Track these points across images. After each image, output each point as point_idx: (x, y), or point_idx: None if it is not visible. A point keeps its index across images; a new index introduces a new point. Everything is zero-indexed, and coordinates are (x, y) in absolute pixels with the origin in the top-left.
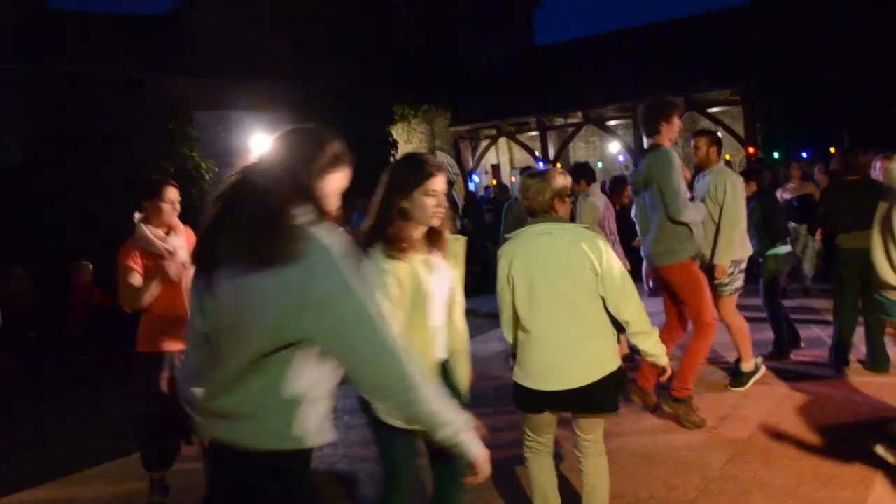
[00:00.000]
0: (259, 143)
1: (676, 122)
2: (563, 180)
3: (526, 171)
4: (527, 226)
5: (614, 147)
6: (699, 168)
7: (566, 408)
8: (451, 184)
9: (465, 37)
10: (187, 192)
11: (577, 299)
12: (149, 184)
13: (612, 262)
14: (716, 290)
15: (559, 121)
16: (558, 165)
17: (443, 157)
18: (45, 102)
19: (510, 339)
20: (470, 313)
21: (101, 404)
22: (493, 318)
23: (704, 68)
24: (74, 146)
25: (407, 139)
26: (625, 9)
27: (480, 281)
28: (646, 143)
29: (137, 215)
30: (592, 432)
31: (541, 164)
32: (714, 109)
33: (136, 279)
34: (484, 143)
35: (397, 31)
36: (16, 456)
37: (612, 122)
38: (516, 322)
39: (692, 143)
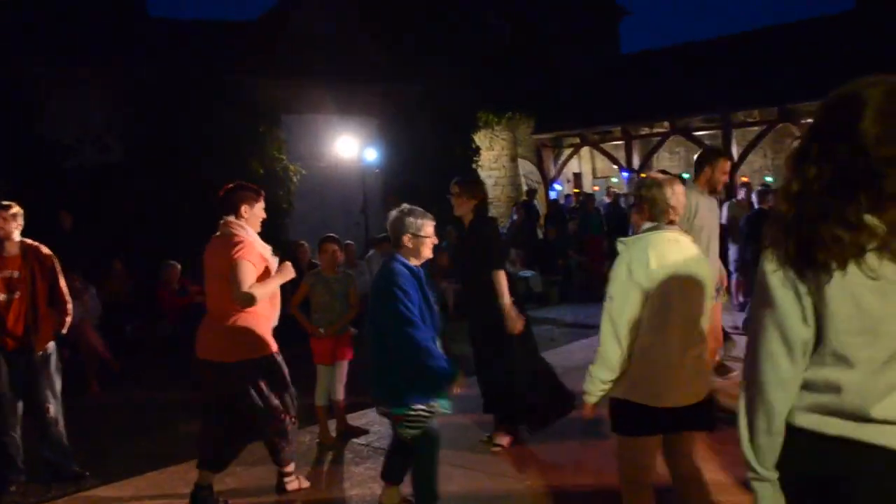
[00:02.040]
0: (345, 146)
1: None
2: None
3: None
4: (653, 230)
5: None
6: None
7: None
8: (532, 192)
9: (551, 45)
10: (275, 193)
11: (697, 309)
12: (250, 189)
13: None
14: None
15: (644, 130)
16: (643, 175)
17: (524, 165)
18: (143, 105)
19: (614, 356)
20: (553, 323)
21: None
22: (578, 327)
23: (798, 78)
24: (170, 147)
25: (489, 146)
26: (714, 18)
27: (562, 290)
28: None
29: (234, 218)
30: (693, 448)
31: (625, 174)
32: (809, 121)
33: (257, 278)
34: (567, 152)
35: (486, 39)
36: (121, 445)
37: (699, 133)
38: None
39: None
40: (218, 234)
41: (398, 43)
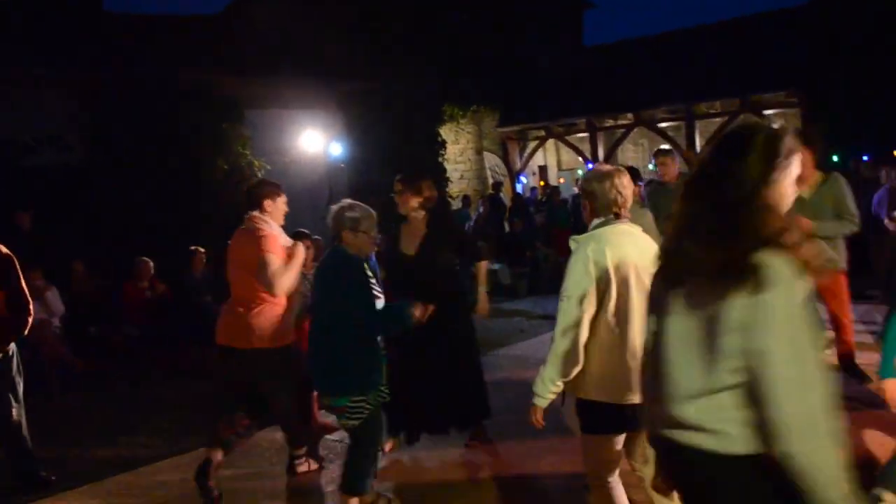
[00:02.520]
0: (310, 141)
1: None
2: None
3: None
4: (604, 224)
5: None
6: None
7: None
8: (498, 185)
9: (514, 38)
10: (240, 189)
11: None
12: (272, 185)
13: None
14: None
15: (609, 122)
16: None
17: (490, 158)
18: (103, 103)
19: (567, 357)
20: (523, 314)
21: (169, 399)
22: (547, 319)
23: (760, 69)
24: (132, 145)
25: (455, 139)
26: (677, 10)
27: (531, 283)
28: None
29: (258, 213)
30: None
31: (590, 166)
32: (770, 112)
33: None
34: (532, 145)
35: (450, 32)
36: (87, 448)
37: (664, 125)
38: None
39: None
40: (242, 227)
41: (361, 37)
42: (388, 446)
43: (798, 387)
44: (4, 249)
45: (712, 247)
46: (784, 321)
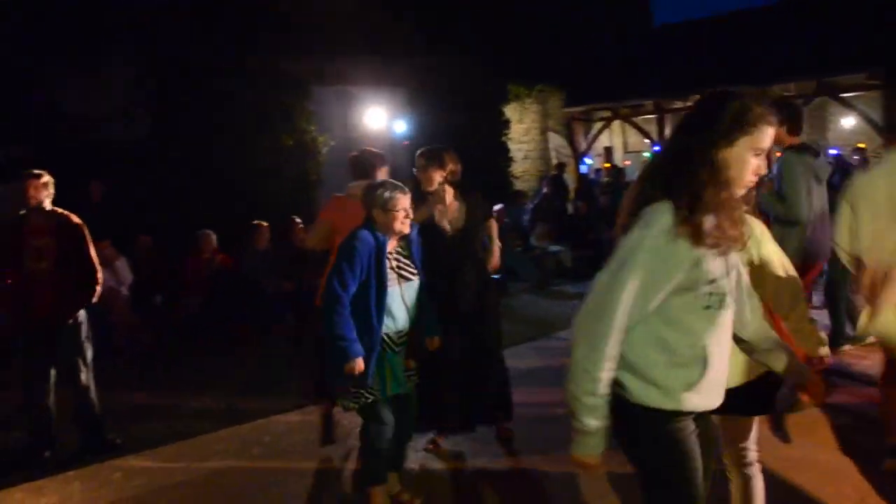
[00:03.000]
0: (374, 118)
1: None
2: None
3: None
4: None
5: None
6: None
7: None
8: (562, 166)
9: (582, 16)
10: (304, 165)
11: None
12: (379, 155)
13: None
14: None
15: (677, 104)
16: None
17: (554, 139)
18: (170, 79)
19: None
20: (583, 297)
21: (226, 370)
22: None
23: (838, 49)
24: (198, 120)
25: (520, 119)
26: None
27: (594, 265)
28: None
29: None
30: (739, 439)
31: (657, 149)
32: (848, 94)
33: None
34: (598, 126)
35: (515, 9)
36: (148, 415)
37: None
38: None
39: None
40: (345, 195)
41: (426, 14)
42: (431, 444)
43: (593, 296)
44: (76, 219)
45: (654, 191)
46: (622, 251)
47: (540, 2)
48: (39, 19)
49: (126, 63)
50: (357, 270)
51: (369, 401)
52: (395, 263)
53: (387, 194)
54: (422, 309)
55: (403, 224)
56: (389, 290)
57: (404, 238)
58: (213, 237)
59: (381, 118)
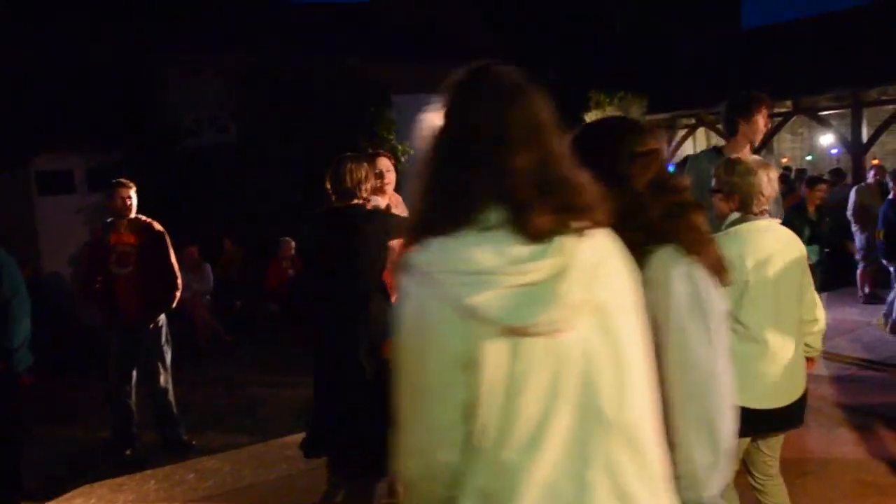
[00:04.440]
0: None
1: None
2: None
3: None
4: (744, 221)
5: (826, 139)
6: None
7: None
8: None
9: (666, 20)
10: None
11: (793, 300)
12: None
13: None
14: None
15: None
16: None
17: None
18: (256, 87)
19: None
20: None
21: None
22: None
23: None
24: (282, 128)
25: None
26: None
27: None
28: None
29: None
30: (779, 450)
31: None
32: None
33: None
34: (681, 133)
35: (597, 15)
36: (224, 418)
37: (826, 112)
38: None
39: None
40: None
41: (506, 21)
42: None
43: None
44: (158, 226)
45: None
46: None
47: (622, 7)
48: (139, 29)
49: (216, 73)
50: None
51: None
52: None
53: None
54: None
55: None
56: None
57: None
58: (292, 243)
59: None
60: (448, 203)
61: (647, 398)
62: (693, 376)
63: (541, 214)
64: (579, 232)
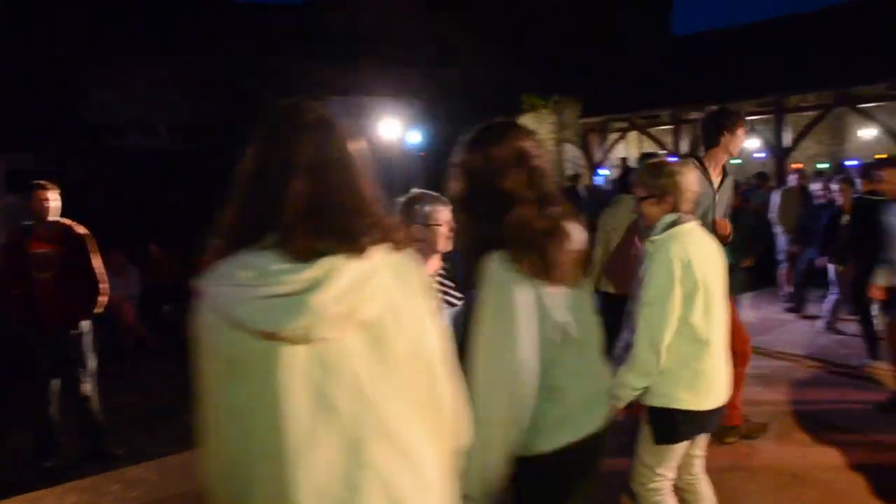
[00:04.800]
0: (388, 128)
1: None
2: None
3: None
4: (680, 222)
5: (752, 143)
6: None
7: (713, 426)
8: (576, 177)
9: (600, 26)
10: None
11: (721, 302)
12: None
13: None
14: None
15: (694, 115)
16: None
17: (570, 150)
18: (187, 89)
19: (660, 358)
20: None
21: None
22: None
23: (858, 60)
24: (213, 132)
25: (535, 130)
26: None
27: None
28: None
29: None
30: (705, 448)
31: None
32: (867, 105)
33: None
34: (614, 137)
35: (531, 19)
36: (152, 425)
37: (751, 117)
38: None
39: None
40: None
41: (441, 24)
42: None
43: None
44: (81, 229)
45: None
46: None
47: (557, 13)
48: (68, 28)
49: (147, 72)
50: None
51: None
52: (438, 287)
53: (427, 207)
54: None
55: (448, 240)
56: None
57: (447, 258)
58: None
59: (395, 129)
60: (239, 227)
61: (421, 404)
62: (481, 375)
63: (304, 236)
64: (352, 252)
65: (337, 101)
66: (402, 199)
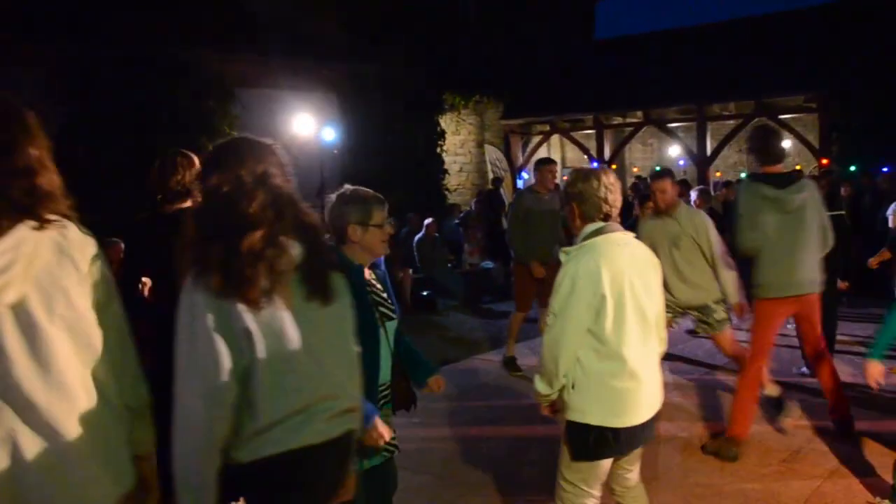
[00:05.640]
0: (302, 124)
1: None
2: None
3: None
4: (598, 234)
5: (674, 150)
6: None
7: (640, 442)
8: (499, 180)
9: (523, 26)
10: None
11: (652, 318)
12: None
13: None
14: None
15: (617, 120)
16: (613, 167)
17: (491, 152)
18: (86, 80)
19: (566, 368)
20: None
21: None
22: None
23: (778, 70)
24: (113, 123)
25: (455, 130)
26: (695, 5)
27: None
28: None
29: None
30: (638, 462)
31: (595, 164)
32: (786, 116)
33: None
34: (536, 139)
35: (452, 18)
36: None
37: (674, 125)
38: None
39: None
40: None
41: (357, 18)
42: None
43: None
44: None
45: None
46: None
47: (479, 10)
48: None
49: (38, 61)
50: None
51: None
52: (373, 298)
53: (364, 206)
54: (407, 352)
55: (384, 243)
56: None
57: (374, 266)
58: (121, 245)
59: (310, 124)
60: None
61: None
62: (177, 386)
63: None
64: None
65: (246, 93)
66: (333, 195)
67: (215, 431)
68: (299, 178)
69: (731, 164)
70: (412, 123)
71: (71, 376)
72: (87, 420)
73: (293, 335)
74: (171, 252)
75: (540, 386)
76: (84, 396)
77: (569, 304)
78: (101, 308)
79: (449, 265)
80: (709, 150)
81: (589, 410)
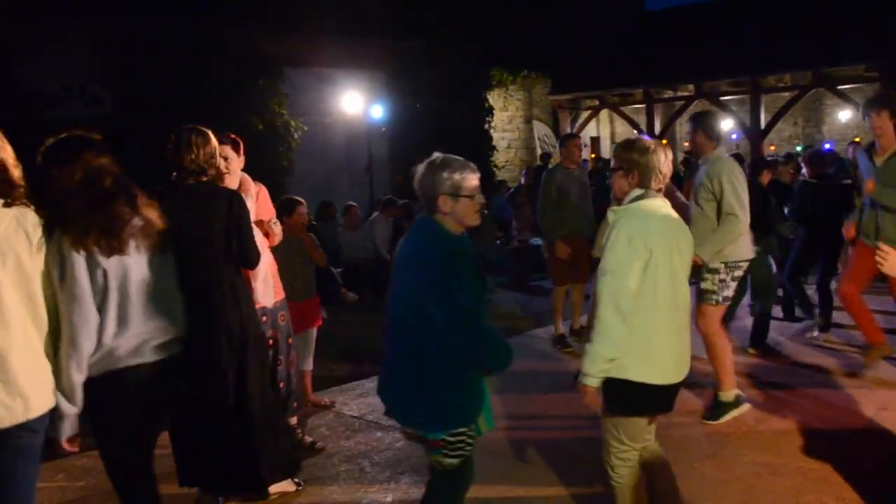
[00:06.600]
0: (350, 102)
1: None
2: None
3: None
4: (644, 198)
5: (727, 124)
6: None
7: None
8: (547, 156)
9: (571, 1)
10: (275, 150)
11: (685, 280)
12: None
13: None
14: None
15: (668, 93)
16: (664, 142)
17: (539, 128)
18: (134, 56)
19: (626, 325)
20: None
21: None
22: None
23: (836, 40)
24: (163, 101)
25: (503, 106)
26: None
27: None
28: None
29: None
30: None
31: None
32: (845, 87)
33: None
34: (585, 115)
35: None
36: None
37: (726, 98)
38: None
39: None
40: None
41: None
42: None
43: None
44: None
45: None
46: None
47: None
48: None
49: (82, 36)
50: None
51: (469, 451)
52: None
53: (456, 175)
54: None
55: (477, 214)
56: None
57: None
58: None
59: (357, 102)
60: None
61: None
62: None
63: None
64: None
65: (295, 72)
66: (421, 165)
67: (85, 346)
68: (347, 156)
69: (786, 138)
70: (460, 100)
71: (11, 314)
72: (17, 346)
73: (142, 279)
74: (185, 220)
75: (604, 350)
76: (20, 332)
77: (627, 260)
78: (45, 274)
79: (497, 242)
80: (762, 124)
81: (631, 367)
